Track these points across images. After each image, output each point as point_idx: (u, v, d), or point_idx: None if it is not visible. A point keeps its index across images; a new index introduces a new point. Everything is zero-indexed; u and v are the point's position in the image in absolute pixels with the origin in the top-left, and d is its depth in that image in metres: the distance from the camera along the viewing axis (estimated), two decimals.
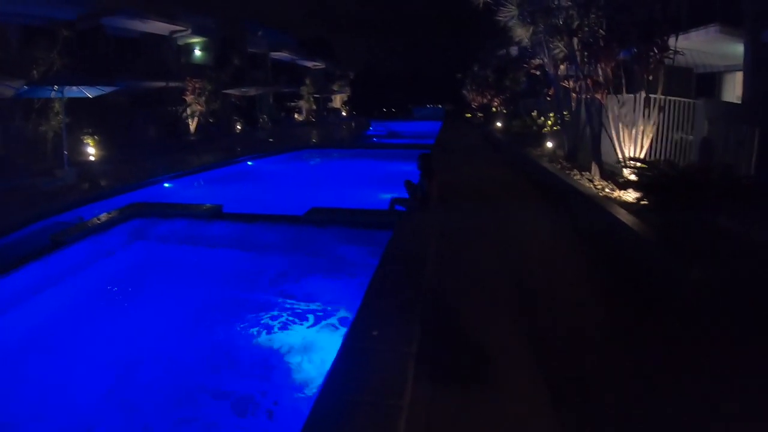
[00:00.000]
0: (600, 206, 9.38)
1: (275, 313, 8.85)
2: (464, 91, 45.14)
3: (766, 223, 7.29)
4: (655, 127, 10.77)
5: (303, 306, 9.03)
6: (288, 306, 9.07)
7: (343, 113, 65.77)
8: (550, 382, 4.34)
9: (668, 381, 4.35)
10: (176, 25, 32.75)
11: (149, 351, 7.94)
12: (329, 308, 8.77)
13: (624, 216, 8.31)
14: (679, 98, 11.37)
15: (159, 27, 32.15)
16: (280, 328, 8.37)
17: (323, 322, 8.40)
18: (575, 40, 12.60)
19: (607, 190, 10.77)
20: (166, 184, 18.44)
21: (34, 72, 19.35)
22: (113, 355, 7.74)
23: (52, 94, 18.50)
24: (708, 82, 18.04)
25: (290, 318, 8.66)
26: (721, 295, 5.66)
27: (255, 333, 8.31)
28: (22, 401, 6.64)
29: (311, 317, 8.62)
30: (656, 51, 10.33)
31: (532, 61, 17.69)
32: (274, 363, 7.40)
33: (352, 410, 3.88)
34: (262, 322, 8.59)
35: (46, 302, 9.23)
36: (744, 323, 5.25)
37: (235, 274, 10.53)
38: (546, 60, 15.17)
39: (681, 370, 4.53)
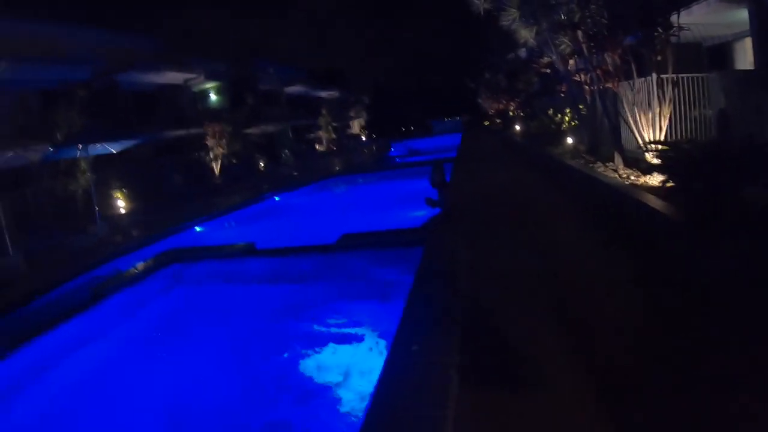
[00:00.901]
0: (626, 194, 9.31)
1: (316, 340, 8.95)
2: (479, 100, 45.08)
3: None
4: (671, 107, 10.67)
5: (343, 330, 9.14)
6: (328, 332, 9.20)
7: (363, 138, 65.99)
8: (596, 381, 4.26)
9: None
10: (189, 73, 33.32)
11: (197, 392, 8.06)
12: (369, 329, 8.84)
13: (651, 201, 8.24)
14: (691, 74, 11.29)
15: (172, 77, 32.79)
16: (322, 355, 8.45)
17: (364, 343, 8.46)
18: (579, 33, 12.57)
19: (632, 177, 10.68)
20: (197, 228, 18.70)
21: (57, 134, 19.78)
22: (162, 401, 7.88)
23: (78, 154, 18.96)
24: (719, 53, 17.79)
25: (331, 343, 8.74)
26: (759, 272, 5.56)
27: (298, 362, 8.41)
28: None
29: (352, 340, 8.69)
30: (660, 31, 10.28)
31: (541, 60, 17.66)
32: (319, 389, 7.48)
33: (398, 420, 3.95)
34: (304, 351, 8.70)
35: (92, 354, 9.49)
36: None
37: (274, 307, 10.72)
38: (554, 57, 15.15)
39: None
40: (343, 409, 6.87)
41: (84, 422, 7.59)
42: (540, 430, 3.79)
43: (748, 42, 15.27)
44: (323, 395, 7.33)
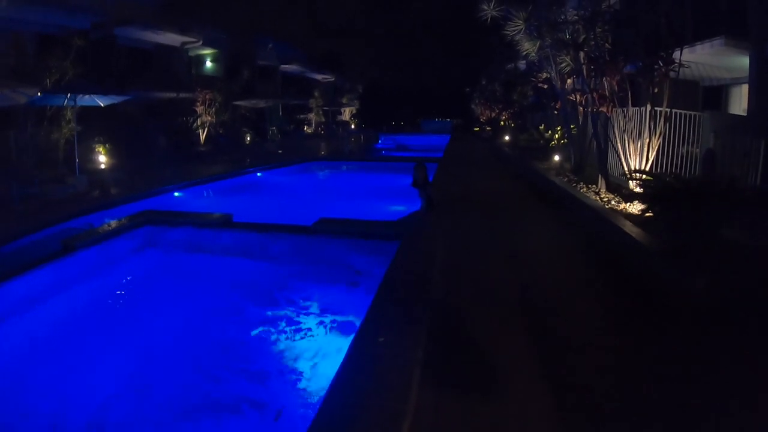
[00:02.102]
0: (604, 218, 9.47)
1: (282, 320, 8.96)
2: (472, 105, 45.27)
3: None
4: (660, 139, 10.85)
5: (311, 314, 9.16)
6: (296, 314, 9.19)
7: (352, 126, 65.93)
8: (556, 391, 4.37)
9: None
10: (188, 36, 32.97)
11: (151, 358, 8.04)
12: (336, 316, 8.87)
13: (628, 227, 8.42)
14: (684, 111, 11.45)
15: (171, 38, 32.39)
16: (286, 336, 8.46)
17: (330, 330, 8.50)
18: (581, 54, 12.70)
19: (613, 202, 10.86)
20: (176, 194, 18.57)
21: (48, 80, 19.49)
22: (116, 362, 7.84)
23: (65, 102, 18.72)
24: (714, 94, 18.05)
25: (297, 326, 8.75)
26: (725, 304, 5.73)
27: (261, 340, 8.40)
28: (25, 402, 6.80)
29: (318, 325, 8.72)
30: (661, 64, 10.42)
31: (539, 75, 17.77)
32: (279, 370, 7.49)
33: (356, 413, 3.97)
34: (269, 329, 8.69)
35: (56, 305, 9.38)
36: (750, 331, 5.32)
37: (243, 282, 10.65)
38: (553, 74, 15.28)
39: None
40: (300, 393, 6.88)
41: (40, 372, 7.54)
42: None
43: (744, 88, 15.58)
44: (282, 377, 7.33)
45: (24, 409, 6.65)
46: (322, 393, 4.45)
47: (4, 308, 8.56)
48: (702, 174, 9.63)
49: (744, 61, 13.53)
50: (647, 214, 8.23)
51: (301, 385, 7.02)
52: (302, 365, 7.51)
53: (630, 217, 9.32)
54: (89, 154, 21.95)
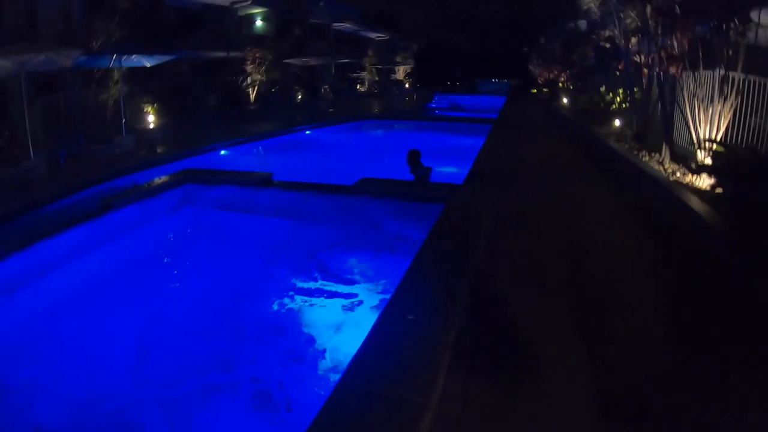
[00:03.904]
0: (668, 191, 8.66)
1: (314, 286, 8.74)
2: (530, 66, 43.94)
3: None
4: (733, 107, 9.89)
5: (346, 278, 8.91)
6: (331, 278, 8.97)
7: (406, 85, 65.00)
8: (600, 395, 3.82)
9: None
10: None
11: (179, 318, 8.01)
12: (371, 282, 8.59)
13: (695, 204, 7.59)
14: (761, 78, 10.45)
15: None
16: (316, 304, 8.25)
17: (362, 299, 8.18)
18: (648, 9, 11.71)
19: (678, 174, 10.00)
20: (223, 152, 18.46)
21: (94, 43, 19.45)
22: (145, 320, 7.88)
23: (111, 64, 18.69)
24: None
25: (329, 293, 8.47)
26: None
27: (290, 306, 8.15)
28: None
29: (354, 290, 8.45)
30: (737, 23, 9.44)
31: (601, 33, 16.74)
32: (305, 341, 7.18)
33: (369, 405, 3.50)
34: (299, 294, 8.51)
35: (93, 263, 9.44)
36: None
37: (281, 242, 10.54)
38: (616, 32, 14.30)
39: None
40: (323, 368, 6.49)
41: (71, 322, 7.66)
42: None
43: None
44: (306, 348, 6.99)
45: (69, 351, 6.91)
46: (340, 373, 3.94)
47: (48, 262, 8.65)
48: None
49: None
50: (717, 190, 7.41)
51: (324, 359, 6.62)
52: (327, 337, 7.14)
53: (697, 192, 8.47)
54: (138, 114, 21.97)
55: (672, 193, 8.46)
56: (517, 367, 4.15)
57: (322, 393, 5.44)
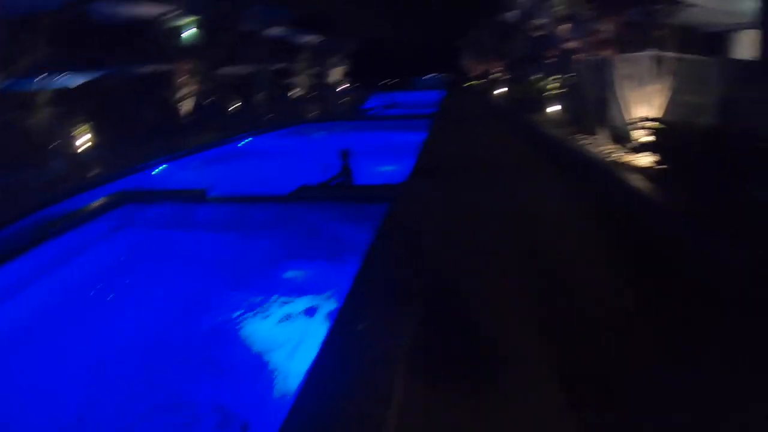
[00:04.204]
0: (609, 172, 8.74)
1: (262, 298, 8.42)
2: (465, 60, 44.32)
3: None
4: (666, 85, 10.06)
5: (293, 290, 8.56)
6: (277, 291, 8.61)
7: (344, 86, 64.79)
8: (565, 385, 3.73)
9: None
10: (166, 6, 31.78)
11: (122, 344, 7.56)
12: (320, 292, 8.25)
13: (639, 183, 7.66)
14: (690, 55, 10.66)
15: (148, 10, 31.16)
16: (268, 315, 7.93)
17: (314, 308, 7.91)
18: None
19: (616, 154, 10.14)
20: (161, 168, 17.94)
21: (19, 64, 18.78)
22: (86, 348, 7.44)
23: (39, 85, 18.09)
24: (715, 41, 17.19)
25: (279, 304, 8.21)
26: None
27: (240, 320, 7.88)
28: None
29: (303, 302, 8.13)
30: (665, 5, 9.61)
31: (533, 22, 16.92)
32: (253, 359, 6.93)
33: (328, 426, 3.33)
34: (249, 307, 8.19)
35: (36, 292, 8.89)
36: None
37: (223, 257, 10.00)
38: (547, 20, 14.45)
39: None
40: (275, 388, 6.28)
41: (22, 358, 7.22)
42: None
43: (747, 34, 14.77)
44: (257, 367, 6.75)
45: None
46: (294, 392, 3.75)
47: None
48: (720, 124, 8.82)
49: (748, 5, 12.64)
50: (661, 167, 7.48)
51: (276, 377, 6.42)
52: (278, 355, 6.90)
53: (638, 170, 8.54)
54: (69, 136, 21.23)
55: (613, 172, 8.54)
56: (478, 368, 4.04)
57: (276, 416, 5.23)
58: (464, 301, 5.14)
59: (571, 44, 13.43)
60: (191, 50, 33.34)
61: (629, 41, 10.50)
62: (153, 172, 17.22)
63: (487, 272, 5.78)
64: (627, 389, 3.69)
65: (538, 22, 16.08)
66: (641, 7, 9.98)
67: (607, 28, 10.92)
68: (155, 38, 32.16)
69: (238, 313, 8.13)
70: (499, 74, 34.57)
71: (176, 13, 32.90)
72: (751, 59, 13.52)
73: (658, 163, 7.56)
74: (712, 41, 17.05)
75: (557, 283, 5.46)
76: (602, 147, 10.99)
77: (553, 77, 20.26)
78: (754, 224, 5.69)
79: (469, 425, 3.45)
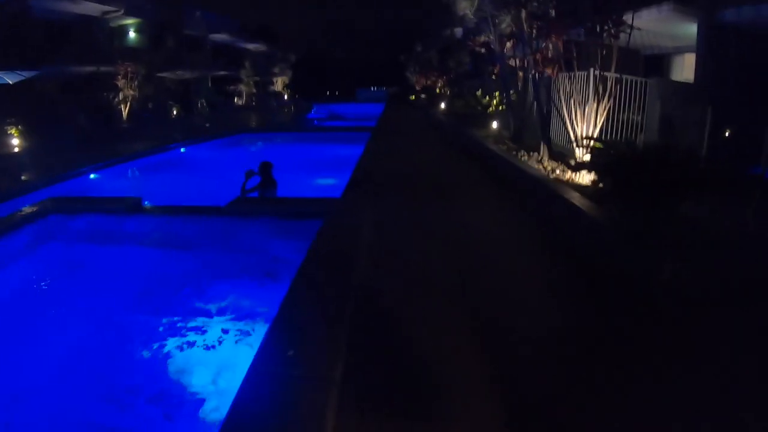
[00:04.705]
0: (551, 190, 8.74)
1: (188, 320, 7.88)
2: (408, 73, 44.49)
3: (729, 209, 6.99)
4: (608, 105, 10.16)
5: (221, 311, 8.07)
6: (205, 311, 8.08)
7: (285, 96, 64.36)
8: (506, 407, 3.60)
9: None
10: (109, 5, 30.94)
11: (40, 370, 6.97)
12: (250, 314, 7.86)
13: (578, 200, 7.69)
14: (632, 76, 10.85)
15: (90, 8, 30.22)
16: (194, 339, 7.41)
17: (240, 334, 7.51)
18: (523, 13, 11.90)
19: (557, 171, 10.18)
20: (93, 175, 17.29)
21: None
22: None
23: None
24: (656, 63, 17.70)
25: (206, 326, 7.70)
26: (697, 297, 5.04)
27: (165, 344, 7.35)
28: None
29: (227, 329, 7.67)
30: (610, 26, 9.69)
31: (477, 38, 16.98)
32: (178, 389, 6.50)
33: None
34: (175, 331, 7.63)
35: None
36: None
37: (153, 273, 9.46)
38: (492, 37, 14.50)
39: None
40: (200, 420, 5.90)
41: None
42: None
43: (686, 57, 15.39)
44: (181, 396, 6.30)
45: None
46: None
47: None
48: (658, 142, 8.96)
49: (689, 29, 13.04)
50: (599, 185, 7.50)
51: (201, 411, 6.04)
52: (204, 382, 6.51)
53: (578, 188, 8.58)
54: (0, 137, 20.37)
55: (554, 191, 8.55)
56: (412, 396, 3.85)
57: None
58: (394, 325, 4.97)
59: (515, 61, 13.50)
60: (132, 52, 32.60)
61: (572, 60, 10.56)
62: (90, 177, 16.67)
63: (417, 293, 5.65)
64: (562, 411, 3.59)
65: (482, 38, 16.13)
66: (585, 28, 10.04)
67: (551, 46, 10.97)
68: (95, 38, 31.35)
69: (160, 335, 7.64)
70: (442, 89, 34.79)
71: (119, 13, 32.14)
72: (687, 81, 13.91)
73: (595, 181, 7.58)
74: (654, 63, 17.52)
75: (489, 301, 5.40)
76: (543, 164, 11.03)
77: (495, 93, 20.46)
78: (677, 238, 5.90)
79: None
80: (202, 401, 6.08)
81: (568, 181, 9.46)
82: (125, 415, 6.01)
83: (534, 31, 11.60)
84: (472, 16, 14.58)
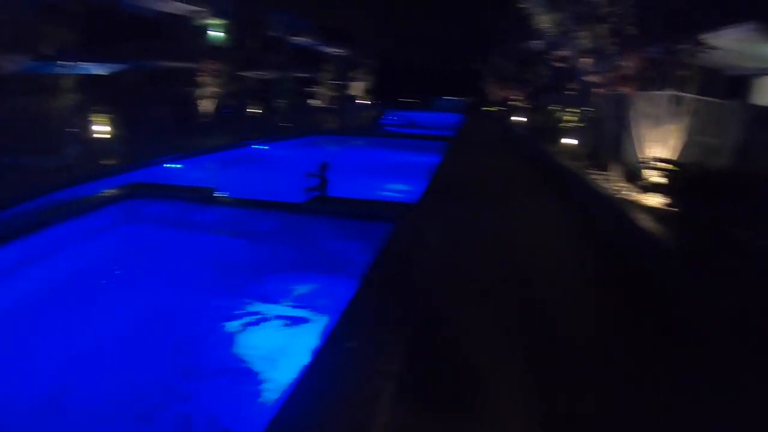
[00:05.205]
0: (618, 209, 8.65)
1: (257, 306, 8.39)
2: (485, 84, 44.27)
3: None
4: (684, 127, 9.97)
5: (290, 301, 8.58)
6: (274, 300, 8.60)
7: (362, 101, 64.96)
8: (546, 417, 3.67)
9: None
10: (195, 6, 32.11)
11: (112, 337, 7.57)
12: (316, 306, 8.26)
13: (647, 223, 7.58)
14: (711, 99, 10.60)
15: (178, 7, 31.55)
16: (260, 324, 7.89)
17: (308, 320, 7.91)
18: (601, 29, 11.78)
19: (628, 192, 10.04)
20: (172, 165, 18.00)
21: (43, 48, 18.93)
22: (76, 339, 7.41)
23: (60, 70, 18.18)
24: (737, 85, 17.12)
25: (273, 313, 8.17)
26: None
27: (232, 327, 7.82)
28: None
29: (297, 314, 8.12)
30: (689, 46, 9.54)
31: (556, 52, 16.86)
32: (249, 360, 6.93)
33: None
34: (243, 315, 8.13)
35: (29, 278, 8.92)
36: None
37: (221, 263, 10.03)
38: (570, 52, 14.38)
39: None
40: (262, 396, 6.20)
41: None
42: None
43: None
44: (246, 374, 6.71)
45: None
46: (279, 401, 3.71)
47: None
48: (735, 167, 8.74)
49: None
50: (672, 209, 7.39)
51: (263, 385, 6.35)
52: (268, 363, 6.85)
53: (649, 210, 8.46)
54: (87, 124, 21.35)
55: (619, 209, 8.45)
56: (463, 398, 3.97)
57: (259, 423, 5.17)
58: (455, 327, 5.08)
59: (593, 78, 13.35)
60: (215, 51, 33.56)
61: (650, 79, 10.41)
62: (167, 167, 17.36)
63: (478, 305, 5.72)
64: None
65: (561, 52, 16.00)
66: (664, 46, 9.89)
67: (628, 64, 10.84)
68: (181, 36, 32.46)
69: (225, 317, 8.10)
70: (518, 101, 34.52)
71: (205, 12, 33.22)
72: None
73: (667, 204, 7.47)
74: (736, 84, 16.97)
75: (546, 314, 5.47)
76: (614, 183, 10.90)
77: (571, 109, 20.21)
78: (747, 270, 5.69)
79: None
80: (263, 378, 6.42)
81: (637, 201, 9.33)
82: (191, 380, 6.43)
83: (611, 47, 11.47)
84: (551, 30, 14.47)
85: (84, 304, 8.74)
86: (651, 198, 9.21)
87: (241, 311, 8.24)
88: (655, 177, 9.58)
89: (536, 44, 26.83)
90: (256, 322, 7.94)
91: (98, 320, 8.08)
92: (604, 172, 11.99)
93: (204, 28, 38.23)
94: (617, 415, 3.81)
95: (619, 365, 4.55)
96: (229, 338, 7.59)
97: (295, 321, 7.93)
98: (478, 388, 4.06)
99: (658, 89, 10.47)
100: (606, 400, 3.98)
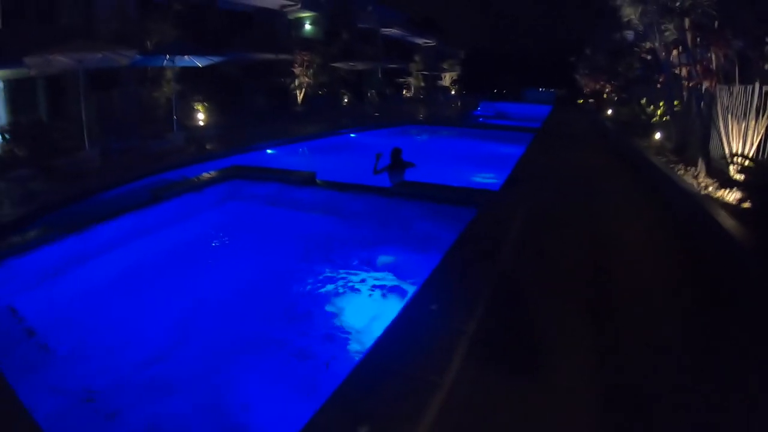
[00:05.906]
0: (699, 206, 8.70)
1: (351, 274, 9.39)
2: (577, 76, 43.58)
3: None
4: (766, 122, 9.90)
5: (379, 271, 9.49)
6: (365, 269, 9.58)
7: (452, 92, 65.03)
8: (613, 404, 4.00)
9: None
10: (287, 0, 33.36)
11: (217, 304, 8.54)
12: (402, 276, 9.11)
13: (723, 219, 7.63)
14: None
15: (270, 1, 32.86)
16: (354, 289, 8.84)
17: (395, 288, 8.77)
18: (686, 22, 11.74)
19: (710, 188, 10.02)
20: (269, 151, 19.01)
21: (148, 43, 20.27)
22: (182, 303, 8.41)
23: (165, 63, 19.39)
24: None
25: (365, 281, 9.10)
26: None
27: (322, 295, 8.73)
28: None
29: (385, 282, 9.02)
30: None
31: (643, 44, 16.74)
32: (336, 324, 7.81)
33: (386, 380, 3.88)
34: (334, 286, 9.02)
35: (139, 249, 10.05)
36: None
37: (318, 238, 11.06)
38: (657, 44, 14.32)
39: None
40: (352, 347, 7.08)
41: (115, 299, 8.31)
42: None
43: None
44: (339, 330, 7.65)
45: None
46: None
47: (97, 247, 9.31)
48: None
49: None
50: (744, 205, 7.49)
51: (352, 343, 7.21)
52: (358, 321, 7.81)
53: (726, 206, 8.49)
54: (189, 112, 22.70)
55: (702, 208, 8.47)
56: (530, 360, 4.48)
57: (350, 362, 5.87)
58: (525, 303, 5.55)
59: (680, 70, 13.28)
60: (308, 43, 34.56)
61: (734, 73, 10.38)
62: (267, 152, 18.35)
63: (552, 287, 6.13)
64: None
65: (648, 45, 15.89)
66: (751, 39, 9.83)
67: (713, 57, 10.81)
68: (274, 29, 33.60)
69: (323, 280, 9.19)
70: (609, 94, 33.95)
71: (296, 6, 34.23)
72: None
73: (740, 200, 7.55)
74: None
75: (618, 304, 5.74)
76: (698, 179, 10.87)
77: (660, 102, 19.92)
78: None
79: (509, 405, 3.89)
80: (353, 334, 7.42)
81: (717, 198, 9.34)
82: (290, 333, 7.47)
83: (697, 40, 11.43)
84: (637, 21, 14.40)
85: (201, 263, 10.18)
86: (727, 193, 9.20)
87: (336, 276, 9.34)
88: (734, 173, 9.60)
89: (628, 35, 26.37)
90: (351, 287, 8.94)
91: (214, 277, 9.37)
92: (690, 167, 11.92)
93: (297, 21, 39.37)
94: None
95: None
96: (325, 297, 8.61)
97: (384, 288, 8.80)
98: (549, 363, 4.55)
99: (744, 83, 10.41)
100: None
